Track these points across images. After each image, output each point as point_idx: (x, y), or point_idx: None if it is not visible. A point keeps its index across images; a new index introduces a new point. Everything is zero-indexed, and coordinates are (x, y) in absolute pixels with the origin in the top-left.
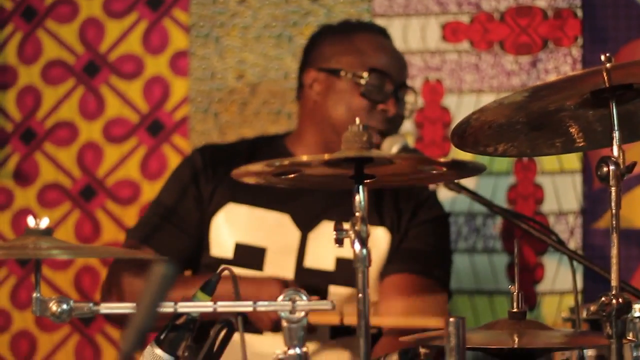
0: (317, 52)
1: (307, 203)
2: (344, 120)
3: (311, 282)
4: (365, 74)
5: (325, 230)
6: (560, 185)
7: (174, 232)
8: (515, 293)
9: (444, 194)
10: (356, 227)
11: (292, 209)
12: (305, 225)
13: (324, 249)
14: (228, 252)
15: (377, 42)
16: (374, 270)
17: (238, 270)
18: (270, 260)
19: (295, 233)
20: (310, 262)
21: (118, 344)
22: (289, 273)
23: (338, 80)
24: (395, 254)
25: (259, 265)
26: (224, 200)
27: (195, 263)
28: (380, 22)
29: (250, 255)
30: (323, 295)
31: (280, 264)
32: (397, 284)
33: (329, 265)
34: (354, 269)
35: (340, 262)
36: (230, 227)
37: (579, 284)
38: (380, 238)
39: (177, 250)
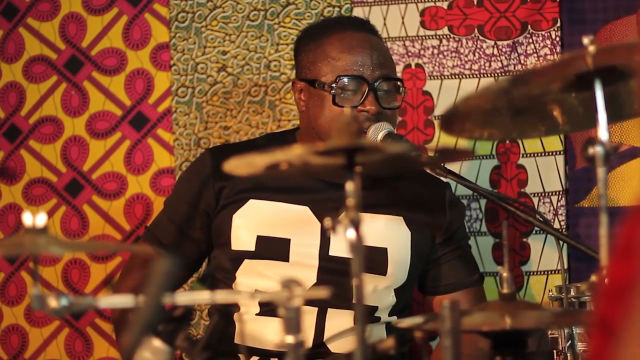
0: (298, 61)
1: (325, 196)
2: (326, 128)
3: (337, 269)
4: (333, 83)
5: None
6: (543, 167)
7: (182, 234)
8: (505, 274)
9: None
10: (349, 215)
11: (311, 202)
12: (325, 216)
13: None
14: (250, 246)
15: (347, 43)
16: (400, 253)
17: (262, 263)
18: (295, 251)
19: (316, 224)
20: (334, 251)
21: (109, 336)
22: (313, 262)
23: (315, 90)
24: (449, 268)
25: (284, 256)
26: (244, 198)
27: (200, 265)
28: (359, 10)
29: (274, 246)
30: (350, 279)
31: (305, 254)
32: (465, 299)
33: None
34: (371, 256)
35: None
36: (251, 222)
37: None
38: (399, 226)
39: (185, 253)
